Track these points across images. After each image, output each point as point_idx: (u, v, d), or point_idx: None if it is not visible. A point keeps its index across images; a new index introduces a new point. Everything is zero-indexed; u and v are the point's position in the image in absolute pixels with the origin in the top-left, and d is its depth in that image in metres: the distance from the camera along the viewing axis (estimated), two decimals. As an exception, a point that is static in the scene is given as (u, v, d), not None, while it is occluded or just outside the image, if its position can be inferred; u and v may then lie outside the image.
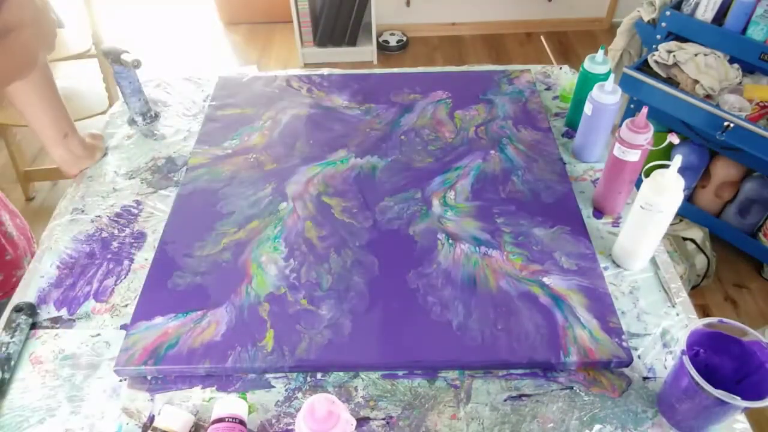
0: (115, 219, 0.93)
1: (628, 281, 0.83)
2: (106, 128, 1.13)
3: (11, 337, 0.74)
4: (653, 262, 0.85)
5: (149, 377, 0.72)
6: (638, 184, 0.80)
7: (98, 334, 0.77)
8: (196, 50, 3.11)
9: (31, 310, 0.78)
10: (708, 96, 1.81)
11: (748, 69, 1.85)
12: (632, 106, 1.95)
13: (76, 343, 0.76)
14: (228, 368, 0.71)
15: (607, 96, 0.91)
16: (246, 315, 0.77)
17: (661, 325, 0.77)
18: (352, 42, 2.92)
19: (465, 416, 0.68)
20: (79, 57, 2.08)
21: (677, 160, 0.72)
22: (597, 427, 0.67)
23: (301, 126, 1.09)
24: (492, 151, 1.02)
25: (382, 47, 3.02)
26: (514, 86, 1.17)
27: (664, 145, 0.83)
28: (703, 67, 1.79)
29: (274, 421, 0.68)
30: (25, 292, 0.82)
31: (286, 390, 0.71)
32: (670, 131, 0.91)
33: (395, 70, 1.25)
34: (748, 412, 0.65)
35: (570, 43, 3.04)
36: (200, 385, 0.72)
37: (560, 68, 1.25)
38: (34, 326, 0.78)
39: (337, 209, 0.92)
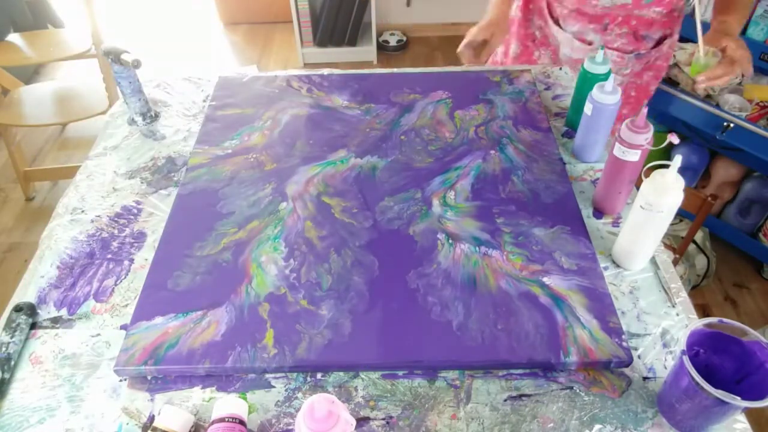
0: (115, 219, 0.93)
1: (628, 281, 0.83)
2: (106, 128, 1.13)
3: (11, 337, 0.74)
4: (653, 262, 0.85)
5: (149, 377, 0.72)
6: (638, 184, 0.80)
7: (98, 334, 0.77)
8: (196, 50, 3.11)
9: (31, 310, 0.78)
10: (708, 96, 1.81)
11: (748, 69, 1.85)
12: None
13: (76, 343, 0.76)
14: (228, 368, 0.71)
15: (607, 96, 0.91)
16: (246, 315, 0.77)
17: (661, 325, 0.77)
18: (352, 42, 2.92)
19: (465, 416, 0.68)
20: (79, 57, 2.08)
21: (677, 160, 0.72)
22: (597, 427, 0.67)
23: (301, 126, 1.09)
24: (492, 151, 1.02)
25: (382, 47, 3.02)
26: (514, 86, 1.17)
27: (664, 145, 0.84)
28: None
29: (274, 421, 0.68)
30: (25, 292, 0.82)
31: (286, 390, 0.71)
32: (670, 131, 0.91)
33: (395, 70, 1.25)
34: (748, 412, 0.65)
35: (570, 43, 3.04)
36: (200, 385, 0.72)
37: (560, 68, 1.25)
38: (34, 326, 0.78)
39: (337, 209, 0.92)
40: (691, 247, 1.79)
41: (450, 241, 0.86)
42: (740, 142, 1.68)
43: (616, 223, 0.91)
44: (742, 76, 1.76)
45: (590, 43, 1.21)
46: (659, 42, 1.22)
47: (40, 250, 0.89)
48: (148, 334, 0.74)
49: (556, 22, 1.25)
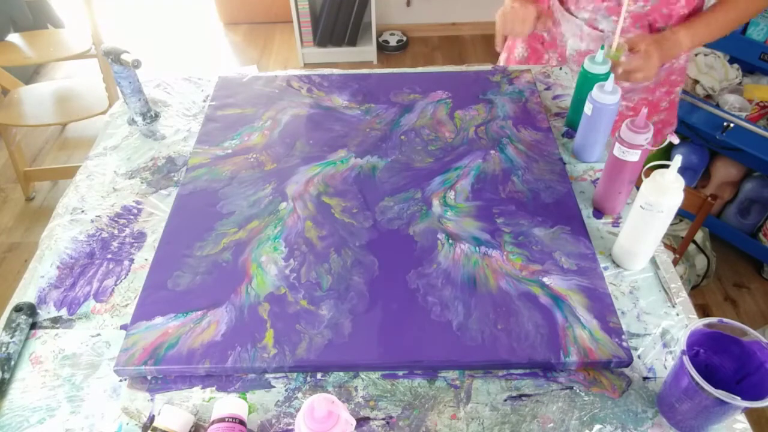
0: (115, 219, 0.93)
1: (628, 281, 0.83)
2: (106, 128, 1.13)
3: (11, 337, 0.74)
4: (653, 262, 0.85)
5: (149, 377, 0.72)
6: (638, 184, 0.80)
7: (98, 334, 0.77)
8: (196, 50, 3.11)
9: (31, 310, 0.78)
10: (708, 96, 1.81)
11: (748, 69, 1.85)
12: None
13: (76, 343, 0.76)
14: (228, 368, 0.71)
15: (607, 96, 0.91)
16: (246, 315, 0.77)
17: (661, 325, 0.77)
18: (352, 42, 2.92)
19: (465, 416, 0.68)
20: (79, 57, 2.08)
21: (677, 160, 0.72)
22: (597, 427, 0.67)
23: (301, 126, 1.09)
24: (492, 151, 1.02)
25: (382, 47, 3.02)
26: (514, 86, 1.17)
27: (664, 145, 0.84)
28: (703, 67, 1.80)
29: (274, 421, 0.68)
30: (25, 292, 0.82)
31: (286, 390, 0.71)
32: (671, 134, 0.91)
33: (395, 70, 1.25)
34: (748, 412, 0.65)
35: (570, 43, 3.04)
36: (200, 385, 0.72)
37: (560, 68, 1.25)
38: (34, 326, 0.78)
39: (337, 209, 0.92)
40: (691, 247, 1.79)
41: (450, 241, 0.86)
42: (740, 142, 1.68)
43: (616, 223, 0.91)
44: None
45: (602, 31, 1.17)
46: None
47: (40, 250, 0.89)
48: (148, 334, 0.74)
49: (568, 11, 1.22)
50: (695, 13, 1.12)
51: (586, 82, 1.00)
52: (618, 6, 1.12)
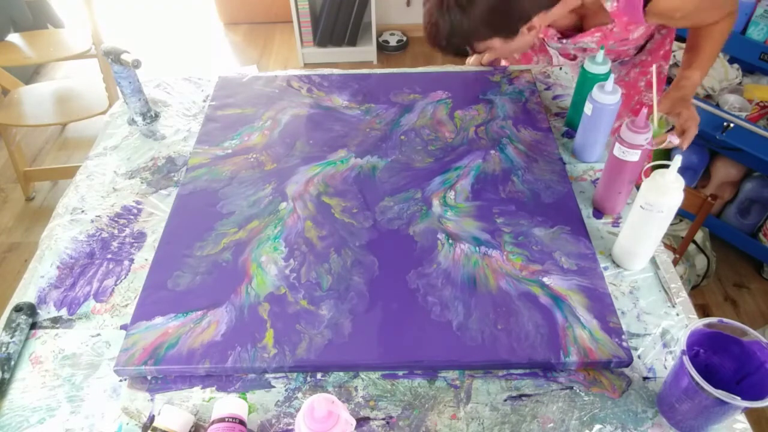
0: (115, 219, 0.93)
1: (628, 281, 0.83)
2: (106, 128, 1.13)
3: (11, 337, 0.74)
4: (653, 262, 0.85)
5: (149, 377, 0.72)
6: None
7: (98, 334, 0.77)
8: (196, 50, 3.11)
9: (31, 310, 0.78)
10: (708, 96, 1.81)
11: (748, 69, 1.85)
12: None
13: (76, 343, 0.76)
14: (228, 368, 0.71)
15: (607, 96, 0.91)
16: (246, 315, 0.77)
17: (661, 325, 0.77)
18: (352, 42, 2.92)
19: (465, 416, 0.68)
20: (79, 57, 2.09)
21: (677, 160, 0.72)
22: (597, 427, 0.67)
23: (301, 126, 1.09)
24: (492, 151, 1.02)
25: (382, 47, 3.02)
26: (514, 86, 1.17)
27: (664, 145, 0.84)
28: (703, 67, 1.79)
29: (274, 421, 0.68)
30: (25, 292, 0.82)
31: (286, 390, 0.71)
32: (670, 131, 0.91)
33: (395, 70, 1.25)
34: (748, 412, 0.65)
35: (570, 43, 3.04)
36: (200, 385, 0.72)
37: (560, 68, 1.25)
38: (34, 326, 0.78)
39: (337, 209, 0.92)
40: (691, 247, 1.79)
41: (450, 241, 0.86)
42: (740, 142, 1.68)
43: (616, 223, 0.91)
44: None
45: (574, 58, 1.22)
46: (643, 46, 1.23)
47: (40, 250, 0.89)
48: (148, 334, 0.74)
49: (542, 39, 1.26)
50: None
51: (586, 82, 1.00)
52: (583, 50, 1.16)
